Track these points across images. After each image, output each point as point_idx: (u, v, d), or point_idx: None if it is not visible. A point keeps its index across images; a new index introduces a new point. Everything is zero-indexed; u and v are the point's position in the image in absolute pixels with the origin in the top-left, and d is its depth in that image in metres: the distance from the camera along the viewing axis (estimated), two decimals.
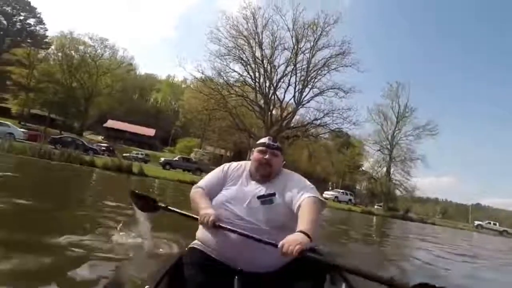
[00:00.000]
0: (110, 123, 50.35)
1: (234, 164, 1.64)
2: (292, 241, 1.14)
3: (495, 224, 39.47)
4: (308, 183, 1.52)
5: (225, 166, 1.62)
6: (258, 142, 1.59)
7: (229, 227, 1.30)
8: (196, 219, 1.38)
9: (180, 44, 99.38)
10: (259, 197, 1.39)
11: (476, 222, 41.33)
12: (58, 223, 3.48)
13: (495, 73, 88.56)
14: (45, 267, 2.04)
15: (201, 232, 1.44)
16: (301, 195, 1.40)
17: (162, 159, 24.73)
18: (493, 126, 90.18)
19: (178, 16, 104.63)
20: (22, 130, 17.90)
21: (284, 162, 1.61)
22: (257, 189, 1.45)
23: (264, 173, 1.49)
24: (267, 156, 1.49)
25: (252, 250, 1.29)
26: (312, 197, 1.38)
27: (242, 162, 1.65)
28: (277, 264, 1.33)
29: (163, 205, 1.67)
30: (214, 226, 1.30)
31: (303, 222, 1.26)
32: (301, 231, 1.20)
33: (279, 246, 1.15)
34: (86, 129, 47.72)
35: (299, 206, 1.36)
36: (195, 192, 1.53)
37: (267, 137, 1.58)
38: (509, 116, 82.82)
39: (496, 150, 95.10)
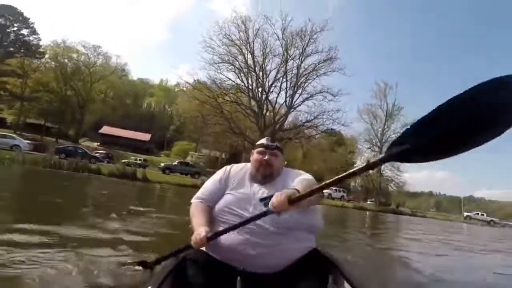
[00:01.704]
0: (105, 129, 50.66)
1: (236, 165, 1.64)
2: (277, 196, 1.21)
3: (482, 215, 41.28)
4: (306, 173, 1.57)
5: (227, 168, 1.63)
6: (257, 143, 1.59)
7: (220, 230, 1.33)
8: (188, 246, 1.39)
9: (173, 48, 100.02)
10: (261, 200, 1.36)
11: (465, 214, 43.10)
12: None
13: (481, 69, 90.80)
14: None
15: None
16: (297, 179, 1.46)
17: (162, 164, 25.61)
18: None
19: (170, 20, 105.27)
20: (27, 141, 18.63)
21: (285, 162, 1.64)
22: (259, 191, 1.45)
23: (265, 173, 1.49)
24: (266, 157, 1.50)
25: (255, 251, 1.31)
26: (306, 177, 1.49)
27: (243, 164, 1.65)
28: (280, 266, 1.33)
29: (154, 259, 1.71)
30: (208, 240, 1.29)
31: (297, 184, 1.36)
32: (286, 189, 1.28)
33: (269, 207, 1.23)
34: (81, 136, 48.18)
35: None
36: (193, 206, 1.52)
37: (265, 138, 1.59)
38: None
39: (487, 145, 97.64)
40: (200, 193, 1.56)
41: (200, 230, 1.32)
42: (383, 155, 1.05)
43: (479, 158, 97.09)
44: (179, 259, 1.40)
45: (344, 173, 1.16)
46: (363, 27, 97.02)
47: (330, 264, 1.42)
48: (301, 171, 1.61)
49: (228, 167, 1.63)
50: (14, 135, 19.00)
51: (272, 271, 1.32)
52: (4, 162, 11.59)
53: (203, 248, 1.38)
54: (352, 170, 1.13)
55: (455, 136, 0.89)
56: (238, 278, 1.23)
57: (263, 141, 1.58)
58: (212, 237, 1.30)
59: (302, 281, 1.28)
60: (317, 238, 1.50)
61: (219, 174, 1.61)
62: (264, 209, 1.31)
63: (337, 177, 1.14)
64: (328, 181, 1.19)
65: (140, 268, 1.83)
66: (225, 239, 1.34)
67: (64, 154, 18.42)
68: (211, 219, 1.45)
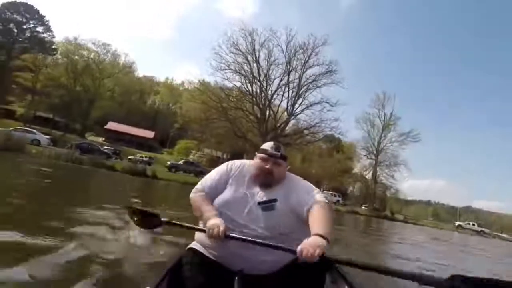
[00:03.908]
0: (111, 125, 51.71)
1: (237, 163, 1.56)
2: (311, 245, 1.13)
3: (473, 225, 42.46)
4: (313, 187, 1.49)
5: (228, 164, 1.56)
6: (262, 147, 1.50)
7: (241, 237, 1.27)
8: (203, 230, 1.30)
9: (178, 45, 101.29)
10: (260, 203, 1.34)
11: (457, 223, 44.28)
12: None
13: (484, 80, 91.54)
14: None
15: (200, 234, 1.41)
16: (309, 199, 1.38)
17: (169, 162, 26.98)
18: (489, 133, 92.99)
19: (176, 18, 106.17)
20: (46, 137, 20.03)
21: (289, 167, 1.55)
22: (259, 194, 1.39)
23: (264, 182, 1.43)
24: (268, 166, 1.41)
25: (252, 252, 1.29)
26: (322, 201, 1.37)
27: (244, 162, 1.57)
28: (277, 266, 1.31)
29: (166, 219, 1.46)
30: (226, 237, 1.25)
31: (318, 225, 1.25)
32: (317, 234, 1.18)
33: (298, 251, 1.14)
34: (87, 130, 49.61)
35: (309, 210, 1.34)
36: (197, 197, 1.46)
37: (271, 145, 1.49)
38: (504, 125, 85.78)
39: (488, 157, 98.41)
40: (201, 186, 1.50)
41: (217, 221, 1.28)
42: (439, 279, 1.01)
43: (479, 170, 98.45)
44: (176, 260, 1.38)
45: (386, 268, 1.13)
46: (364, 37, 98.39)
47: (328, 264, 1.39)
48: (307, 182, 1.53)
49: (230, 163, 1.57)
50: (34, 130, 20.39)
51: (269, 272, 1.31)
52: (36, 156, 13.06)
53: (200, 249, 1.38)
54: (394, 270, 1.10)
55: None
56: (236, 278, 1.23)
57: (268, 147, 1.47)
58: (229, 237, 1.26)
59: (299, 281, 1.27)
60: None
61: (221, 169, 1.54)
62: (260, 213, 1.33)
63: (378, 267, 1.14)
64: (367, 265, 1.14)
65: None
66: (221, 242, 1.29)
67: (79, 150, 19.77)
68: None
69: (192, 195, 1.49)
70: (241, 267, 1.29)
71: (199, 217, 1.42)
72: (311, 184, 1.52)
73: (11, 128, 18.19)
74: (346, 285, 1.30)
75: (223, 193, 1.44)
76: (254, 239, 1.25)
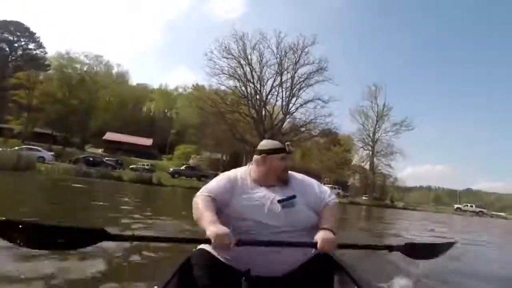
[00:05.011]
0: (109, 136, 51.73)
1: (234, 172, 1.55)
2: (328, 239, 1.25)
3: (471, 206, 43.38)
4: (322, 185, 1.58)
5: (230, 174, 1.52)
6: (274, 147, 1.46)
7: (254, 240, 1.27)
8: (207, 241, 1.19)
9: (170, 50, 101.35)
10: (279, 201, 1.36)
11: (455, 206, 45.27)
12: None
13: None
14: None
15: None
16: (325, 197, 1.48)
17: (171, 169, 27.63)
18: (486, 115, 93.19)
19: (166, 23, 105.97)
20: (50, 153, 20.54)
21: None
22: (273, 193, 1.40)
23: (285, 179, 1.47)
24: (288, 163, 1.45)
25: (262, 253, 1.29)
26: (336, 201, 1.50)
27: (238, 170, 1.56)
28: (285, 268, 1.32)
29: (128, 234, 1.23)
30: (238, 245, 1.19)
31: (329, 220, 1.38)
32: (328, 229, 1.30)
33: (318, 245, 1.23)
34: (86, 143, 49.94)
35: (324, 206, 1.45)
36: (201, 199, 1.38)
37: (277, 143, 1.49)
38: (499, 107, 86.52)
39: (486, 138, 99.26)
40: (207, 188, 1.43)
41: (224, 230, 1.18)
42: (399, 245, 1.38)
43: (478, 151, 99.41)
44: (184, 260, 1.38)
45: (363, 244, 1.47)
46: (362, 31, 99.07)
47: (336, 266, 1.41)
48: (313, 180, 1.59)
49: (228, 173, 1.54)
50: (39, 148, 20.89)
51: (277, 274, 1.32)
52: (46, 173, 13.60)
53: (208, 249, 1.34)
54: (370, 244, 1.50)
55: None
56: (243, 279, 1.23)
57: (279, 145, 1.47)
58: (241, 243, 1.21)
59: (307, 283, 1.28)
60: None
61: (224, 177, 1.51)
62: (281, 210, 1.34)
63: (356, 244, 1.42)
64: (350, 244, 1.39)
65: None
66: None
67: (84, 164, 20.30)
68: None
69: (196, 197, 1.42)
70: (250, 268, 1.27)
71: (197, 219, 1.32)
72: (314, 179, 1.61)
73: (16, 148, 18.68)
74: (354, 285, 1.30)
75: (237, 200, 1.40)
76: (272, 240, 1.27)
